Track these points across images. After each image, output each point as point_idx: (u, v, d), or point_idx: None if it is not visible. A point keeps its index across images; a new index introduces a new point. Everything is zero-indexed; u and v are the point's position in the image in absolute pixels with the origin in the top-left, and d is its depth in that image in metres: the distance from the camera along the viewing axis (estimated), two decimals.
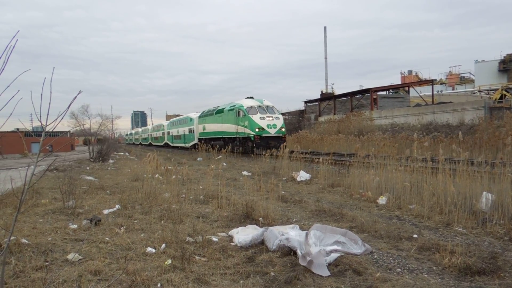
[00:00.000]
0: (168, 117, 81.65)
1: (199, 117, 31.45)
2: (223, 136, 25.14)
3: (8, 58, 2.35)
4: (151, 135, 60.04)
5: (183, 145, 36.64)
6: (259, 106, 21.99)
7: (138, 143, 73.06)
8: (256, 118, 20.89)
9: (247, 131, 21.07)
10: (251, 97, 23.95)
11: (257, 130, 20.45)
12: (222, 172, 9.42)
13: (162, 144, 49.27)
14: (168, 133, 45.50)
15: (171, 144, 42.99)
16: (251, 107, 21.81)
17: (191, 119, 33.99)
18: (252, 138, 20.51)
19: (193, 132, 32.94)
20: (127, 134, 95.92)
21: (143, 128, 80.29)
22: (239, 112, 22.27)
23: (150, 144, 59.42)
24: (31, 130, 52.52)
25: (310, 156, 14.84)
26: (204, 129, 29.50)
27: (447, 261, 3.79)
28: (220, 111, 25.96)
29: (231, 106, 24.35)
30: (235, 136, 22.91)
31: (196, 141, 31.56)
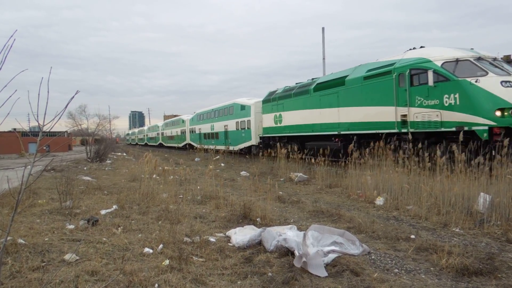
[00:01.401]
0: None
1: (265, 101, 20.37)
2: (350, 132, 13.37)
3: (6, 57, 2.34)
4: (161, 133, 49.92)
5: (222, 147, 24.38)
6: (479, 59, 9.99)
7: (142, 143, 65.43)
8: (490, 84, 9.23)
9: (461, 116, 9.55)
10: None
11: (497, 114, 8.98)
12: (220, 172, 9.42)
13: (180, 145, 38.52)
14: (191, 130, 34.68)
15: (197, 146, 29.74)
16: (457, 61, 9.96)
17: (244, 107, 22.66)
18: (483, 134, 9.06)
19: (246, 127, 22.31)
20: (127, 134, 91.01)
21: (149, 126, 69.46)
22: (413, 76, 10.74)
23: (160, 145, 49.31)
24: (28, 130, 52.35)
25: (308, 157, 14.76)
26: (279, 121, 18.52)
27: (445, 262, 3.80)
28: (335, 83, 14.37)
29: (373, 70, 12.50)
30: (396, 131, 11.30)
31: (253, 141, 21.62)
